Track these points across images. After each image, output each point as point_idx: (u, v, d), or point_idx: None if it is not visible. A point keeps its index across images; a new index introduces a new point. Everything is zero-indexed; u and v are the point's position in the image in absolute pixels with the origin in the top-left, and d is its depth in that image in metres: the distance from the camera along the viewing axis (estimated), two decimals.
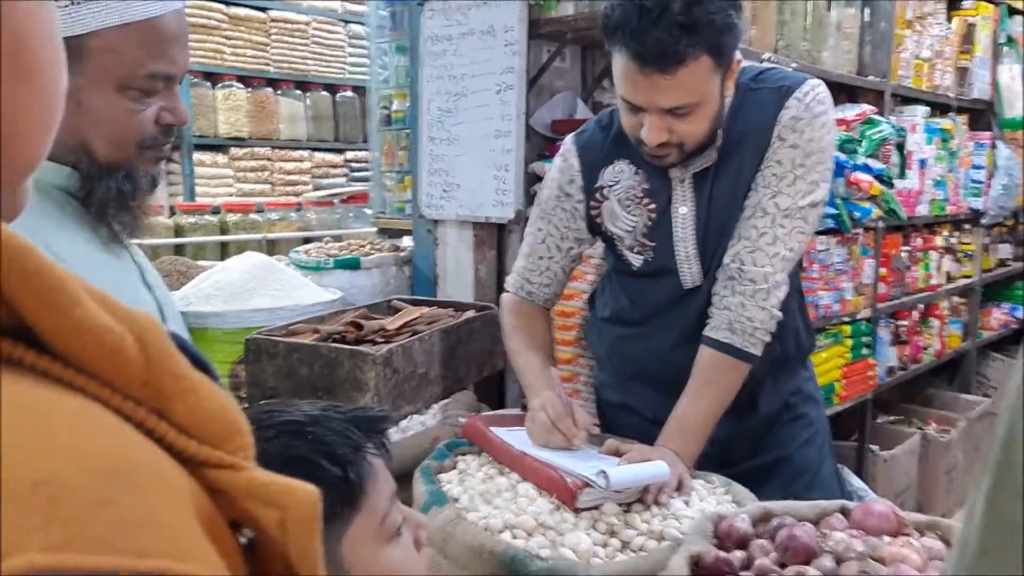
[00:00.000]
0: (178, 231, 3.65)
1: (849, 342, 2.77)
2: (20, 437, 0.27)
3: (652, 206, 1.46)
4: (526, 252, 1.60)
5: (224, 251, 3.62)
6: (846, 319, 2.74)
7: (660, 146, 1.34)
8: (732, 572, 1.04)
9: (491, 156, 2.09)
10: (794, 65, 2.27)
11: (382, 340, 1.64)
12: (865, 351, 2.87)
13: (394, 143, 2.62)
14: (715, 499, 1.32)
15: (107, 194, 1.02)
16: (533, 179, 2.13)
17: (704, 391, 1.40)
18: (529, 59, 2.10)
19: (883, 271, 2.99)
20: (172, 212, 3.88)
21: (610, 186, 1.49)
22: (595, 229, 1.54)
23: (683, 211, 1.44)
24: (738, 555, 1.06)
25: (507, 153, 2.06)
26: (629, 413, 1.61)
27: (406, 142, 2.48)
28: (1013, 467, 0.38)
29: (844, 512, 1.14)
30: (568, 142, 1.56)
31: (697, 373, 1.40)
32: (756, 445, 1.56)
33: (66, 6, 0.95)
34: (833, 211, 2.35)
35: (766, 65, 1.72)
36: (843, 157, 2.33)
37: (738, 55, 1.35)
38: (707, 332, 1.41)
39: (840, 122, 2.32)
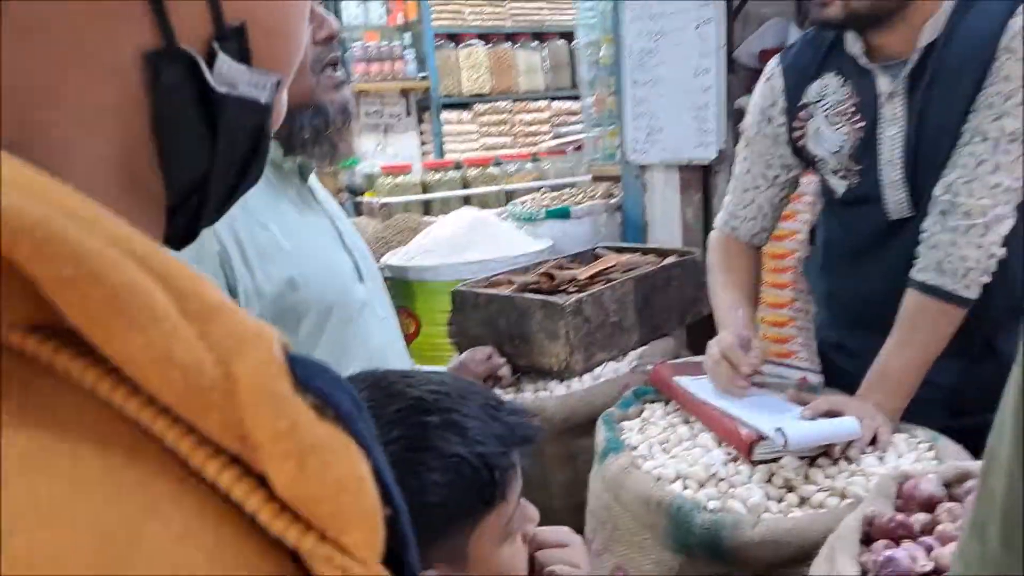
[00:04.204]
0: (424, 187, 3.91)
1: None
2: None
3: (861, 123, 1.33)
4: (733, 186, 1.53)
5: (467, 204, 3.81)
6: None
7: None
8: (910, 536, 0.96)
9: (690, 96, 2.01)
10: None
11: (575, 290, 1.67)
12: None
13: (604, 89, 2.60)
14: (915, 455, 1.21)
15: (301, 132, 1.12)
16: (740, 116, 2.02)
17: (909, 339, 1.27)
18: None
19: None
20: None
21: (816, 102, 1.37)
22: (800, 153, 1.44)
23: (891, 132, 1.30)
24: (920, 518, 0.98)
25: (706, 91, 1.97)
26: (846, 355, 1.51)
27: (615, 87, 2.46)
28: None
29: None
30: (772, 63, 1.46)
31: (902, 319, 1.28)
32: (994, 396, 1.38)
33: None
34: None
35: None
36: None
37: None
38: (913, 274, 1.27)
39: None
